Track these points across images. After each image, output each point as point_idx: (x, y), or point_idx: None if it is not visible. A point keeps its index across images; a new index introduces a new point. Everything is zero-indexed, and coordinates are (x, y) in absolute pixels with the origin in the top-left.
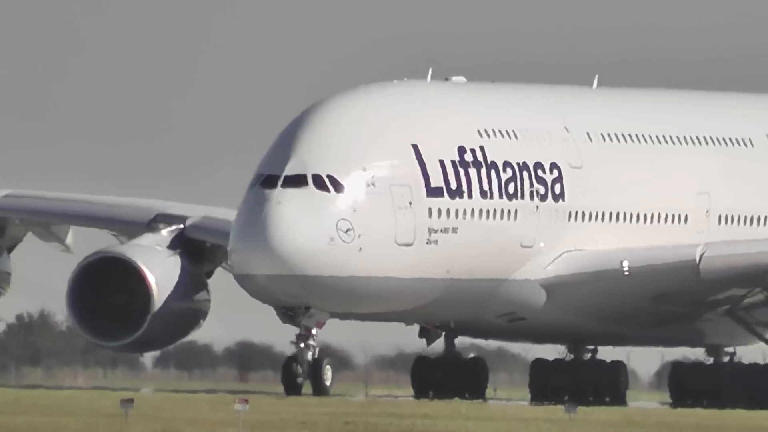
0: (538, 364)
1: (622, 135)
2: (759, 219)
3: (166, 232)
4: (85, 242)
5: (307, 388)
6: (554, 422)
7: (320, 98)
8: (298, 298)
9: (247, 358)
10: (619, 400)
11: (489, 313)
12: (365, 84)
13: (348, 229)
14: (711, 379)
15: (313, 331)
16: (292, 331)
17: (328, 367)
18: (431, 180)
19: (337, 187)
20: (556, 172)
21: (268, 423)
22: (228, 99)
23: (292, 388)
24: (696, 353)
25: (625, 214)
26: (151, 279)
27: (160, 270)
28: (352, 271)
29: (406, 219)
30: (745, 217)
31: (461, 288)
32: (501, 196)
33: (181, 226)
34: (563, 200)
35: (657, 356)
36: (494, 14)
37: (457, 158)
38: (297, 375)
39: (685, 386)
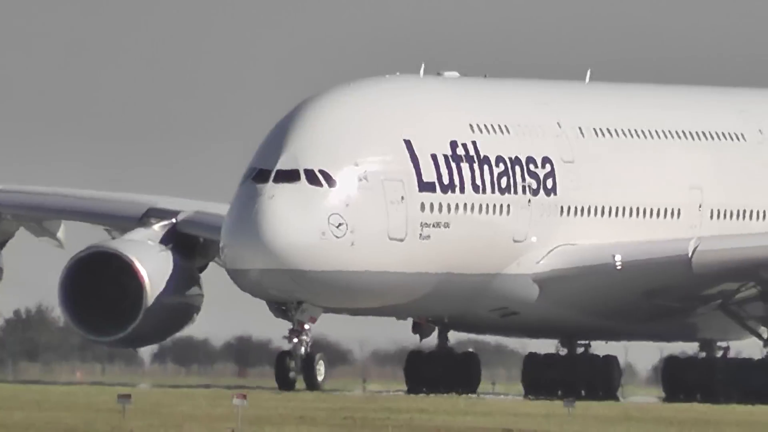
0: (532, 359)
1: (615, 130)
2: (751, 213)
3: (158, 227)
4: (76, 237)
5: (300, 383)
6: (553, 417)
7: (313, 93)
8: (290, 293)
9: (245, 353)
10: (610, 394)
11: (481, 308)
12: (358, 79)
13: (340, 224)
14: (703, 374)
15: (306, 326)
16: (290, 326)
17: (321, 362)
18: (423, 175)
19: (330, 181)
20: (548, 167)
21: (266, 418)
22: (221, 94)
23: (285, 383)
24: (693, 347)
25: (617, 208)
26: (144, 274)
27: (152, 265)
28: (345, 266)
29: (398, 214)
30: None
31: (454, 283)
32: (493, 191)
33: (174, 220)
34: (555, 195)
35: (655, 351)
36: (487, 9)
37: (449, 153)
38: (290, 370)
39: (678, 380)
